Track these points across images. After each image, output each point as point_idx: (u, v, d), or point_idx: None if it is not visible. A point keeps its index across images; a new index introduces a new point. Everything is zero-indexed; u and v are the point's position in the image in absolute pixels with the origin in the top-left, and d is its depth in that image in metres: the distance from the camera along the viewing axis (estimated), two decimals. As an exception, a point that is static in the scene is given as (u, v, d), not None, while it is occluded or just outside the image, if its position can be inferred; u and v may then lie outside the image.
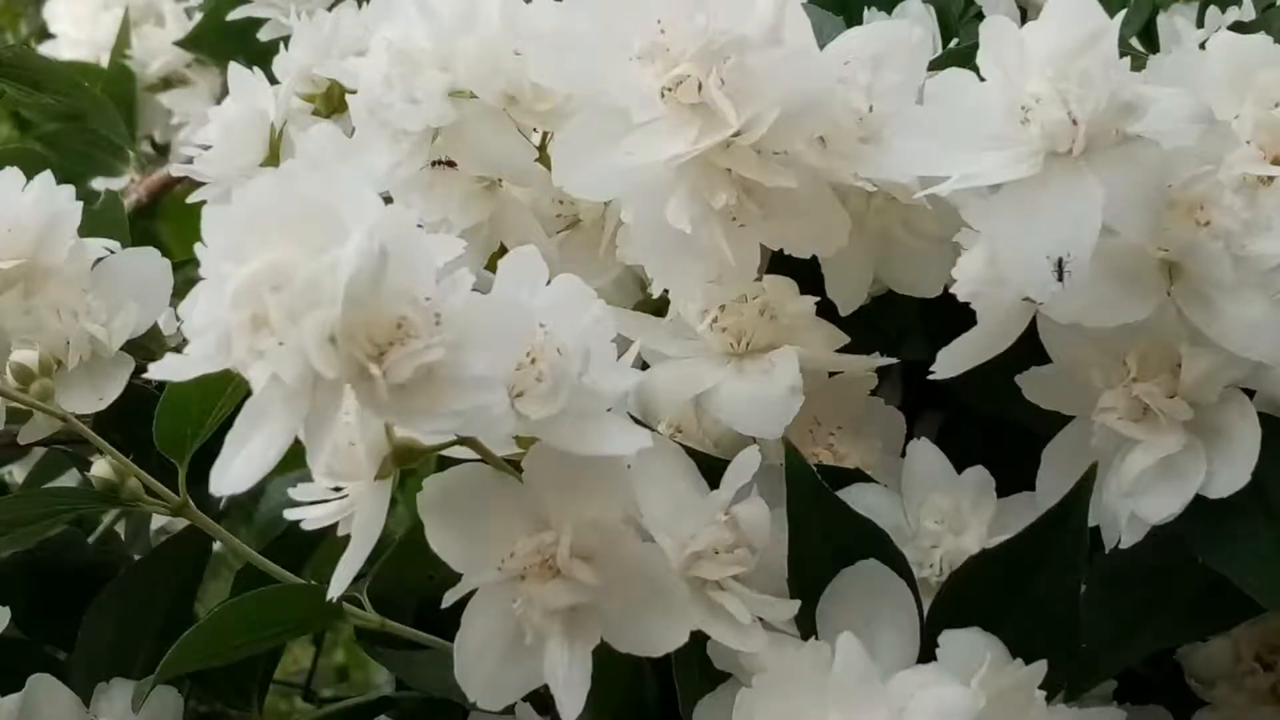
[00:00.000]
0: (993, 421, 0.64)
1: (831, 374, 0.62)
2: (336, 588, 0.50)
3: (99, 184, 1.06)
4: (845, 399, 0.63)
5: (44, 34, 1.28)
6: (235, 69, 0.77)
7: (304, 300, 0.42)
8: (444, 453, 0.51)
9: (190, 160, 0.77)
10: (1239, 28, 0.73)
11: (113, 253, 0.71)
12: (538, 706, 0.59)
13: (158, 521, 0.92)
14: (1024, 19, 0.65)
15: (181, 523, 0.68)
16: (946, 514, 0.59)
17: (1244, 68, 0.58)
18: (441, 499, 0.50)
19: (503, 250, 0.63)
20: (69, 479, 0.86)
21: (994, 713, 0.49)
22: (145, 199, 1.07)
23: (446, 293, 0.45)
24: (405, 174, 0.61)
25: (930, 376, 0.57)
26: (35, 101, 0.95)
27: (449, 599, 0.50)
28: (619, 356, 0.53)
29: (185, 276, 0.71)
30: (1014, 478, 0.59)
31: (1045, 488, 0.57)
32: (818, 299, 0.61)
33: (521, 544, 0.49)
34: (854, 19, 0.71)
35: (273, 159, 0.75)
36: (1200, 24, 0.81)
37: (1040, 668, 0.50)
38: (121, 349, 0.69)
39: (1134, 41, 0.79)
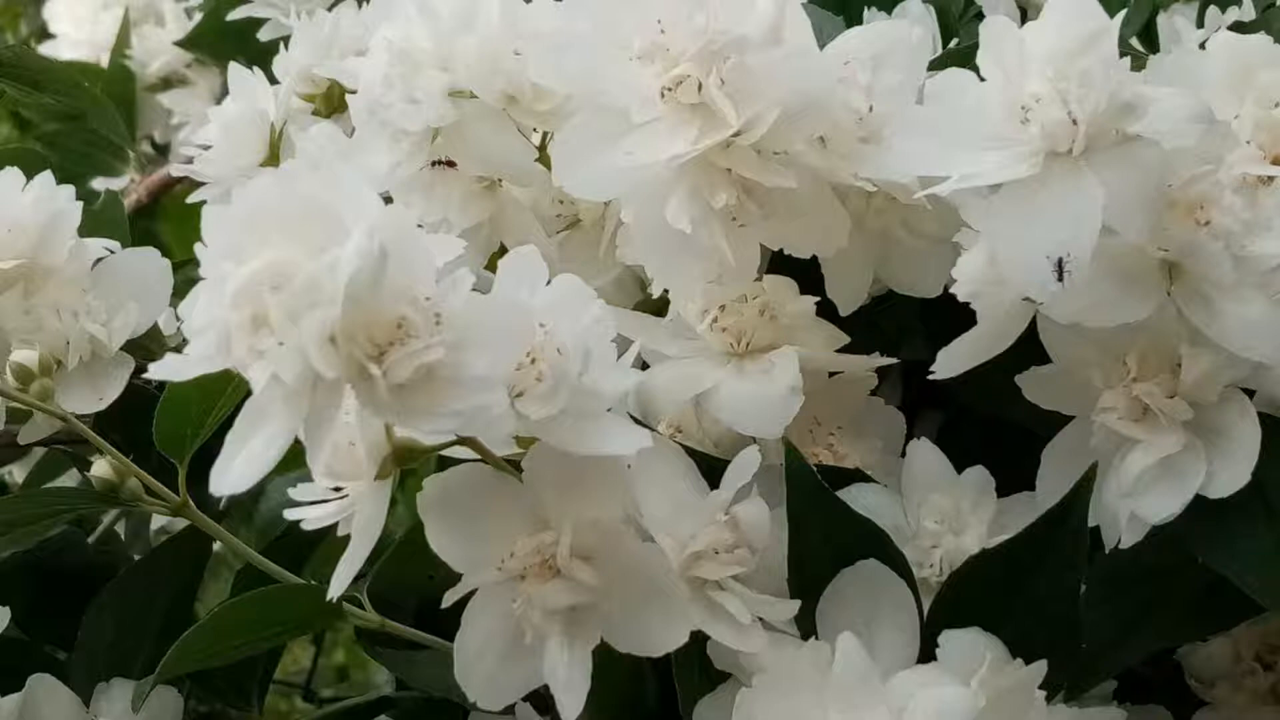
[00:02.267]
0: (993, 421, 0.64)
1: (831, 374, 0.62)
2: (336, 588, 0.50)
3: (99, 184, 1.06)
4: (845, 399, 0.63)
5: (44, 34, 1.28)
6: (235, 69, 0.77)
7: (304, 300, 0.42)
8: (444, 453, 0.51)
9: (190, 160, 0.77)
10: (1239, 28, 0.73)
11: (113, 253, 0.71)
12: (538, 706, 0.59)
13: (158, 521, 0.92)
14: (1024, 19, 0.65)
15: (181, 523, 0.68)
16: (946, 514, 0.59)
17: (1244, 68, 0.58)
18: (441, 499, 0.50)
19: (503, 250, 0.63)
20: (69, 479, 0.86)
21: (994, 713, 0.49)
22: (145, 199, 1.07)
23: (446, 293, 0.45)
24: (405, 174, 0.61)
25: (930, 376, 0.57)
26: (35, 101, 0.95)
27: (449, 599, 0.50)
28: (619, 356, 0.52)
29: (185, 276, 0.71)
30: (1014, 478, 0.59)
31: (1045, 488, 0.57)
32: (818, 299, 0.61)
33: (521, 544, 0.49)
34: (854, 19, 0.71)
35: (273, 159, 0.75)
36: (1200, 24, 0.81)
37: (1040, 668, 0.50)
38: (121, 349, 0.70)
39: (1134, 41, 0.79)
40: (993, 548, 0.57)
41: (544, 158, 0.60)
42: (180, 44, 1.16)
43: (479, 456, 0.50)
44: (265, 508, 0.91)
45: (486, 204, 0.63)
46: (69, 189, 0.69)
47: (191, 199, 0.77)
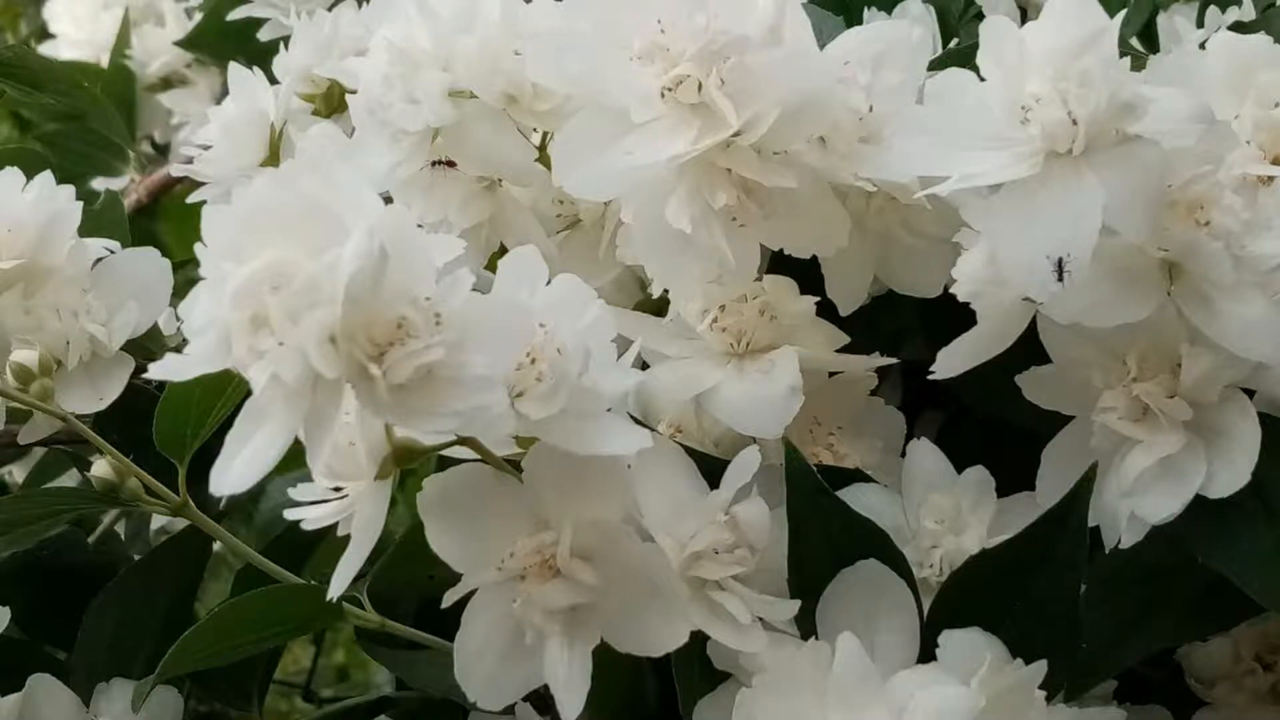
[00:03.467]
0: (993, 421, 0.64)
1: (831, 374, 0.62)
2: (336, 588, 0.50)
3: (99, 184, 1.06)
4: (845, 399, 0.63)
5: (44, 34, 1.28)
6: (235, 69, 0.77)
7: (304, 300, 0.42)
8: (444, 453, 0.51)
9: (190, 160, 0.77)
10: (1239, 28, 0.73)
11: (113, 253, 0.71)
12: (538, 706, 0.59)
13: (158, 521, 0.92)
14: (1024, 19, 0.65)
15: (181, 523, 0.68)
16: (946, 514, 0.59)
17: (1244, 68, 0.58)
18: (441, 499, 0.50)
19: (503, 250, 0.63)
20: (69, 479, 0.86)
21: (994, 713, 0.49)
22: (145, 199, 1.07)
23: (446, 293, 0.45)
24: (405, 174, 0.61)
25: (930, 376, 0.57)
26: (35, 101, 0.95)
27: (449, 599, 0.50)
28: (619, 356, 0.53)
29: (185, 276, 0.71)
30: (1014, 478, 0.59)
31: (1045, 488, 0.57)
32: (818, 299, 0.61)
33: (521, 544, 0.49)
34: (854, 19, 0.71)
35: (273, 159, 0.75)
36: (1200, 24, 0.81)
37: (1040, 668, 0.50)
38: (121, 349, 0.70)
39: (1134, 41, 0.79)
40: (993, 548, 0.57)
41: (544, 158, 0.60)
42: (180, 44, 1.16)
43: (479, 456, 0.50)
44: (265, 508, 0.92)
45: (486, 204, 0.63)
46: (69, 189, 0.69)
47: (191, 199, 0.77)
